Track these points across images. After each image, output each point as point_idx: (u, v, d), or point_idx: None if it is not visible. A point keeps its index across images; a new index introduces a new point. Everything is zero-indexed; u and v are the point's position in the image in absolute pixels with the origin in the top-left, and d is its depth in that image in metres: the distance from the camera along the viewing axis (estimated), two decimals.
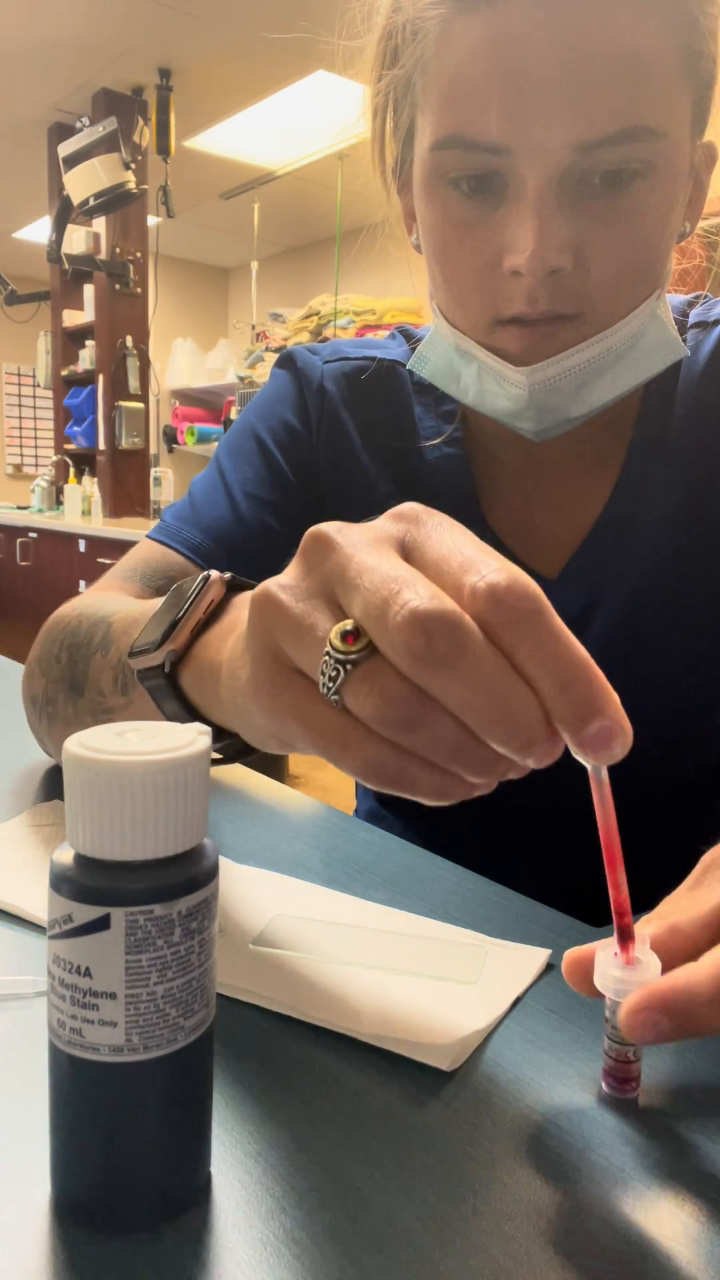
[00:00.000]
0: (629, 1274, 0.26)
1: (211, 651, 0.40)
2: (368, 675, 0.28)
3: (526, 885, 0.51)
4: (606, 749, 0.27)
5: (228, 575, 0.44)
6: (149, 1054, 0.26)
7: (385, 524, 0.32)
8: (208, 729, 0.28)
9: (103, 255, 4.20)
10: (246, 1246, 0.27)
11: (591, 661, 0.27)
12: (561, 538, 0.62)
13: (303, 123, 4.00)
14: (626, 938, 0.32)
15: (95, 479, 4.43)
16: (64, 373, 4.66)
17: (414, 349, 0.62)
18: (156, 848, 0.26)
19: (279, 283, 6.09)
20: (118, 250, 4.20)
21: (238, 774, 0.68)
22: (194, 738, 0.27)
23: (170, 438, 6.24)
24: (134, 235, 4.26)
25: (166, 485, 4.84)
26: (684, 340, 0.61)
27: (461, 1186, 0.29)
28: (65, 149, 3.63)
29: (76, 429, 4.57)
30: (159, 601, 0.46)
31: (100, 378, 4.31)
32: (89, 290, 4.38)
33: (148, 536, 0.68)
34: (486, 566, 0.28)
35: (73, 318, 4.58)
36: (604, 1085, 0.34)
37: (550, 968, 0.42)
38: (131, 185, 3.58)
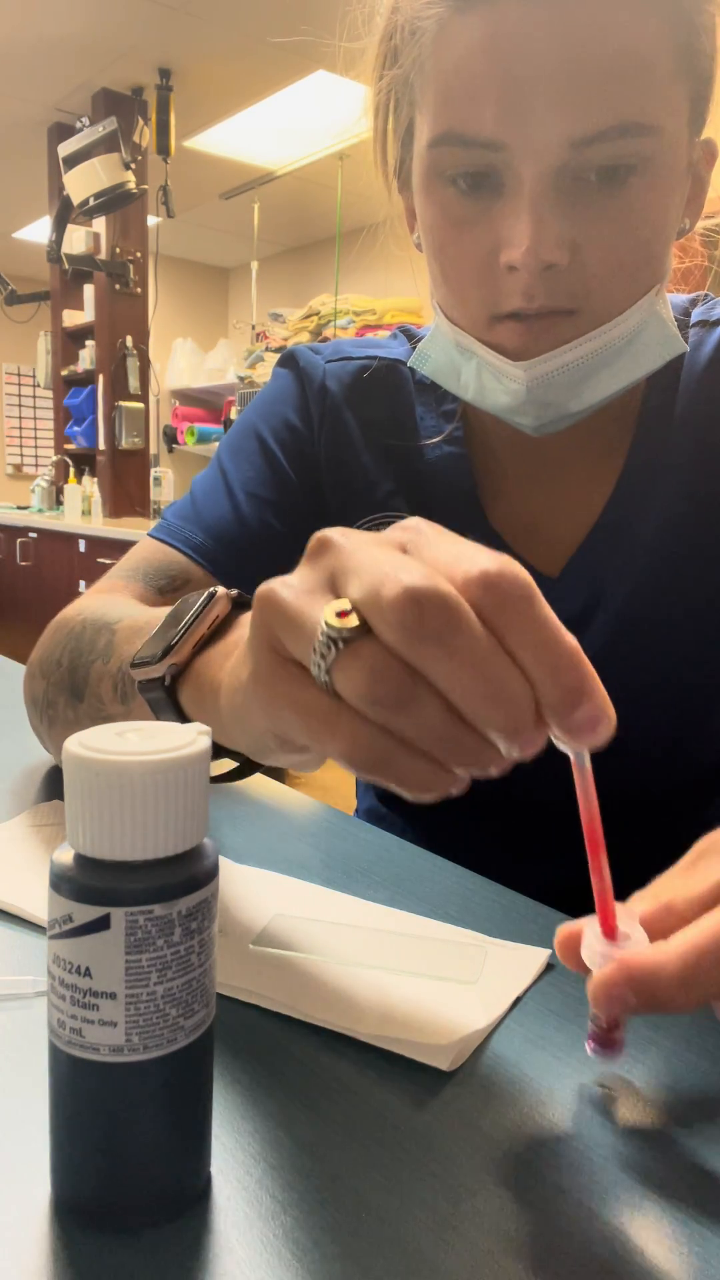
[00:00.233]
0: (629, 1273, 0.26)
1: (214, 669, 0.40)
2: (358, 652, 0.28)
3: (527, 885, 0.51)
4: (592, 733, 0.28)
5: (234, 592, 0.44)
6: (149, 1054, 0.26)
7: (390, 532, 0.32)
8: (207, 729, 0.28)
9: (103, 255, 4.20)
10: (246, 1246, 0.27)
11: (579, 649, 0.28)
12: (563, 536, 0.62)
13: (303, 123, 4.00)
14: (609, 919, 0.33)
15: (95, 479, 4.43)
16: (64, 373, 4.66)
17: (415, 348, 0.62)
18: (156, 848, 0.26)
19: (279, 283, 6.09)
20: (118, 250, 4.19)
21: None
22: (194, 738, 0.27)
23: (170, 438, 6.23)
24: (134, 235, 4.26)
25: (166, 485, 4.84)
26: (685, 339, 0.61)
27: (461, 1186, 0.29)
28: (65, 149, 3.63)
29: (76, 429, 4.57)
30: (164, 611, 0.46)
31: (100, 378, 4.31)
32: (89, 290, 4.38)
33: (149, 535, 0.68)
34: (481, 557, 0.28)
35: (73, 318, 4.57)
36: (588, 1049, 0.34)
37: (550, 968, 0.42)
38: (131, 185, 3.58)
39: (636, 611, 0.62)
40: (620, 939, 0.32)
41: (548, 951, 0.43)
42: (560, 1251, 0.27)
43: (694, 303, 0.64)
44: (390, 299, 4.20)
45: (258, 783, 0.67)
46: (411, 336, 0.71)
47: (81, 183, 3.55)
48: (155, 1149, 0.27)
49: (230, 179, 4.76)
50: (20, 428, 7.40)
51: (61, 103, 4.12)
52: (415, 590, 0.27)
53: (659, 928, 0.33)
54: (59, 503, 4.67)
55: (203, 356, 6.29)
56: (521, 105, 0.47)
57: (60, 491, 4.62)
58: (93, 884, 0.26)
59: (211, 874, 0.27)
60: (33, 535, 4.08)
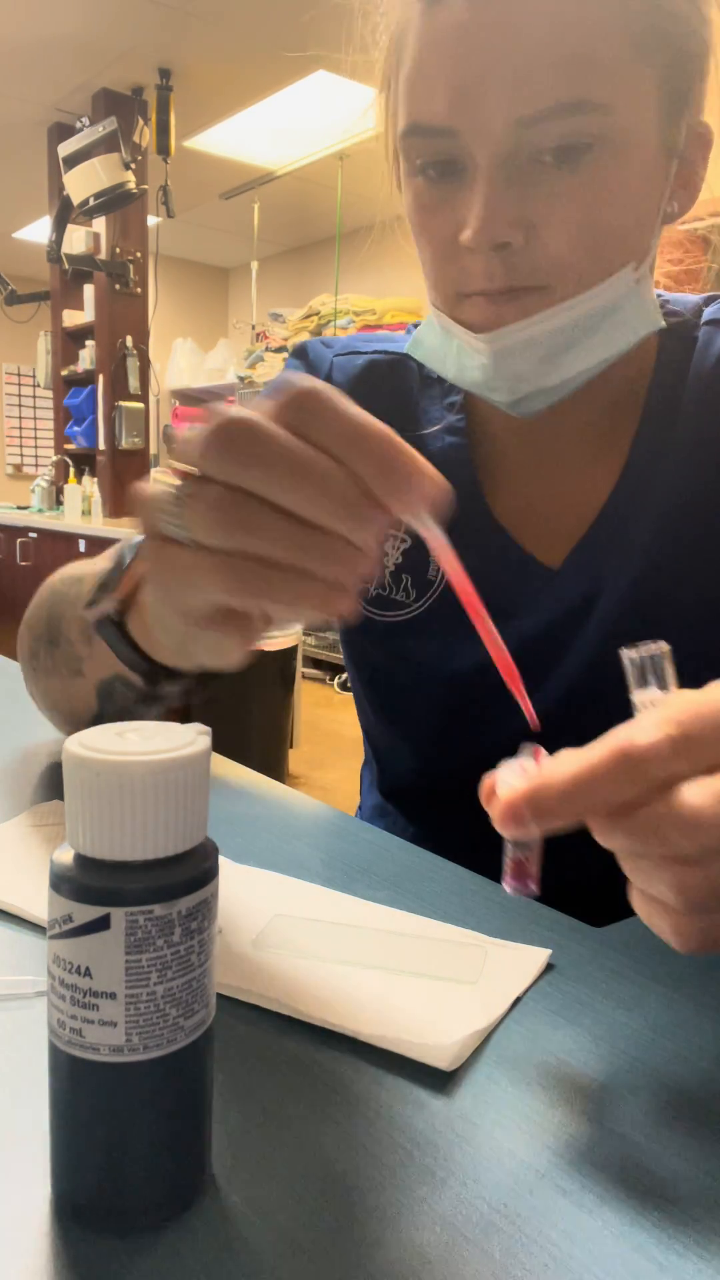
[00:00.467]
0: (629, 1273, 0.26)
1: (148, 597, 0.45)
2: (196, 494, 0.32)
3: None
4: (421, 495, 0.31)
5: None
6: (149, 1054, 0.26)
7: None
8: (207, 729, 0.28)
9: (103, 255, 4.20)
10: (246, 1246, 0.27)
11: (388, 430, 0.32)
12: (566, 527, 0.63)
13: (303, 123, 4.00)
14: (515, 680, 0.36)
15: (95, 479, 4.43)
16: (64, 373, 4.66)
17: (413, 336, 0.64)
18: (156, 848, 0.26)
19: (279, 283, 6.09)
20: (118, 250, 4.20)
21: (238, 774, 0.68)
22: (194, 737, 0.27)
23: (170, 438, 6.22)
24: (134, 235, 4.26)
25: None
26: (695, 338, 0.62)
27: (461, 1187, 0.29)
28: (65, 149, 3.63)
29: (76, 429, 4.57)
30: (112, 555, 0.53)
31: (100, 378, 4.31)
32: (89, 290, 4.38)
33: None
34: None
35: (73, 318, 4.58)
36: (505, 887, 0.35)
37: (550, 967, 0.42)
38: (131, 185, 3.58)
39: (638, 602, 0.62)
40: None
41: (548, 951, 0.43)
42: (561, 1251, 0.27)
43: (707, 302, 0.65)
44: (390, 299, 4.20)
45: (258, 783, 0.67)
46: None
47: (81, 183, 3.55)
48: (155, 1149, 0.27)
49: (230, 179, 4.76)
50: (20, 428, 7.40)
51: (61, 103, 4.12)
52: (222, 422, 0.31)
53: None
54: (59, 503, 4.67)
55: (203, 356, 6.29)
56: (471, 92, 0.49)
57: (60, 491, 4.62)
58: (93, 884, 0.26)
59: (211, 874, 0.27)
60: (33, 535, 4.08)
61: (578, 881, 0.63)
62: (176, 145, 3.94)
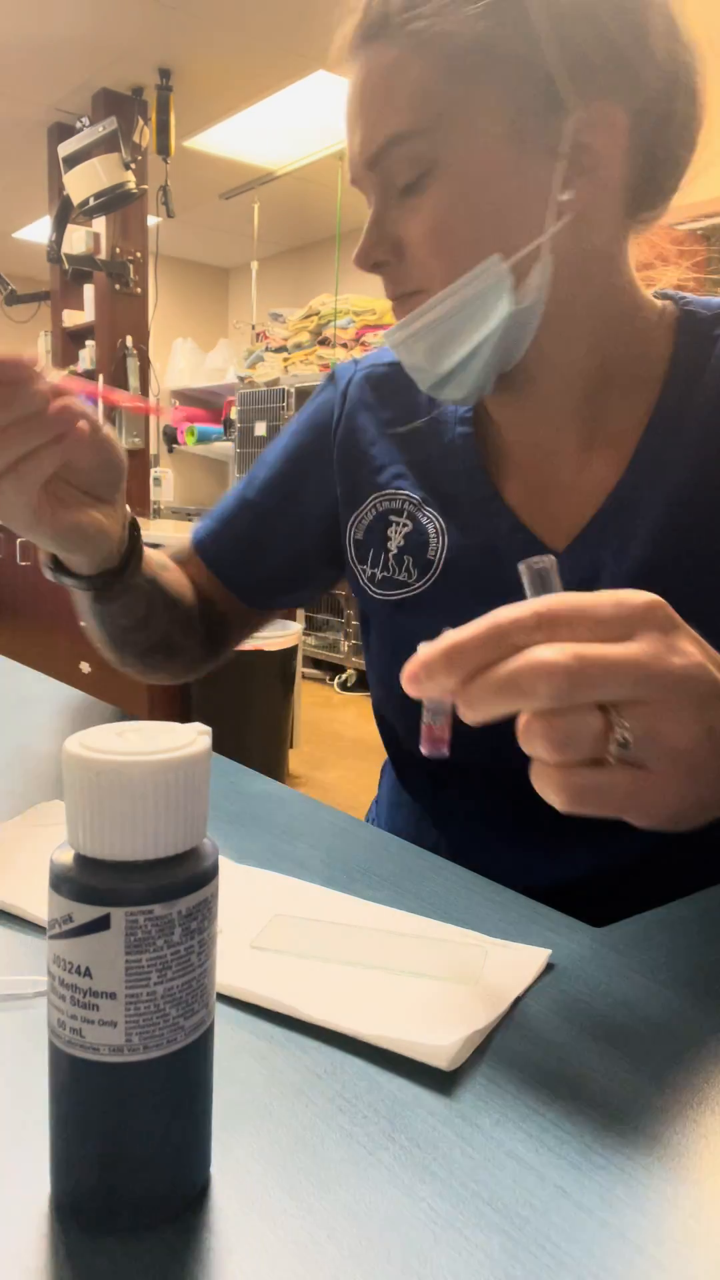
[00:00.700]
0: (630, 1273, 0.26)
1: None
2: None
3: (527, 884, 0.51)
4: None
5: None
6: (149, 1054, 0.26)
7: None
8: (207, 729, 0.28)
9: (103, 255, 4.20)
10: (246, 1246, 0.27)
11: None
12: (572, 513, 0.65)
13: (303, 123, 4.00)
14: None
15: None
16: (64, 372, 4.66)
17: None
18: (156, 848, 0.26)
19: (279, 283, 6.09)
20: (118, 250, 4.19)
21: (238, 774, 0.68)
22: (194, 737, 0.27)
23: (170, 438, 6.23)
24: (134, 235, 4.26)
25: (166, 485, 4.84)
26: (715, 337, 0.63)
27: (461, 1187, 0.29)
28: (65, 149, 3.63)
29: None
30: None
31: (100, 378, 4.31)
32: (89, 290, 4.38)
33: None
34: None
35: (73, 318, 4.57)
36: (422, 749, 0.40)
37: (551, 967, 0.42)
38: (131, 185, 3.57)
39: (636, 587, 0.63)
40: None
41: (548, 951, 0.43)
42: (561, 1251, 0.27)
43: None
44: None
45: (258, 783, 0.67)
46: None
47: (81, 183, 3.54)
48: (155, 1149, 0.27)
49: (230, 179, 4.76)
50: None
51: (61, 103, 4.12)
52: None
53: None
54: None
55: (203, 356, 6.29)
56: (350, 145, 0.60)
57: None
58: (93, 884, 0.26)
59: (211, 874, 0.27)
60: None
61: (578, 881, 0.63)
62: (176, 145, 3.93)
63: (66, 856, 0.26)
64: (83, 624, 0.76)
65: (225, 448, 5.95)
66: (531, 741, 0.36)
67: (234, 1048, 0.36)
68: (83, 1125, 0.27)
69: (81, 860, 0.26)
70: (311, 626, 4.75)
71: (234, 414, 5.43)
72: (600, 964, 0.43)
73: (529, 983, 0.41)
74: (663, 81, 0.55)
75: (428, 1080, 0.34)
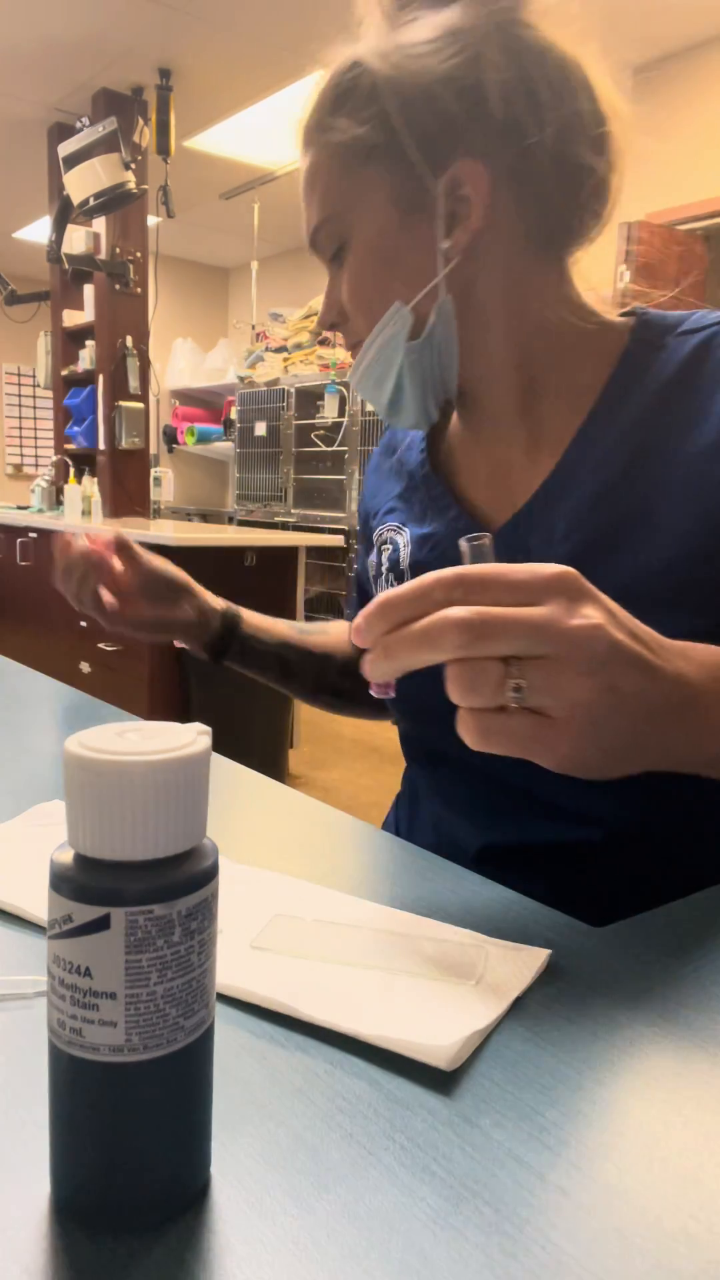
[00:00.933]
0: (629, 1273, 0.26)
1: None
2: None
3: (527, 885, 0.51)
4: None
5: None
6: (149, 1054, 0.26)
7: None
8: (207, 729, 0.28)
9: (103, 255, 4.20)
10: (246, 1246, 0.27)
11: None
12: (514, 498, 0.71)
13: None
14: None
15: (95, 479, 4.42)
16: (64, 373, 4.65)
17: None
18: (156, 848, 0.26)
19: (279, 283, 6.09)
20: (118, 250, 4.19)
21: (238, 774, 0.68)
22: (194, 737, 0.27)
23: (170, 438, 6.23)
24: (134, 235, 4.26)
25: (166, 485, 4.84)
26: (664, 346, 0.66)
27: (461, 1187, 0.29)
28: (65, 149, 3.63)
29: (76, 429, 4.57)
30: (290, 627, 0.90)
31: (100, 378, 4.31)
32: (89, 290, 4.38)
33: None
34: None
35: (73, 318, 4.57)
36: (372, 692, 0.45)
37: (550, 968, 0.42)
38: (131, 185, 3.57)
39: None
40: None
41: (547, 951, 0.43)
42: (561, 1251, 0.27)
43: (687, 319, 0.70)
44: None
45: (258, 782, 0.67)
46: None
47: (81, 183, 3.54)
48: (155, 1149, 0.27)
49: (230, 179, 4.76)
50: (20, 428, 7.40)
51: (61, 103, 4.12)
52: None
53: None
54: (59, 503, 4.66)
55: (203, 356, 6.29)
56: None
57: (60, 491, 4.61)
58: (93, 884, 0.26)
59: (211, 874, 0.27)
60: (33, 535, 4.08)
61: (578, 881, 0.63)
62: (176, 145, 3.93)
63: (66, 856, 0.26)
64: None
65: (225, 448, 5.95)
66: (449, 688, 0.41)
67: (234, 1048, 0.36)
68: (83, 1125, 0.27)
69: (81, 860, 0.26)
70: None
71: (234, 414, 5.43)
72: (600, 964, 0.43)
73: (529, 982, 0.41)
74: (537, 129, 0.61)
75: (428, 1080, 0.34)
